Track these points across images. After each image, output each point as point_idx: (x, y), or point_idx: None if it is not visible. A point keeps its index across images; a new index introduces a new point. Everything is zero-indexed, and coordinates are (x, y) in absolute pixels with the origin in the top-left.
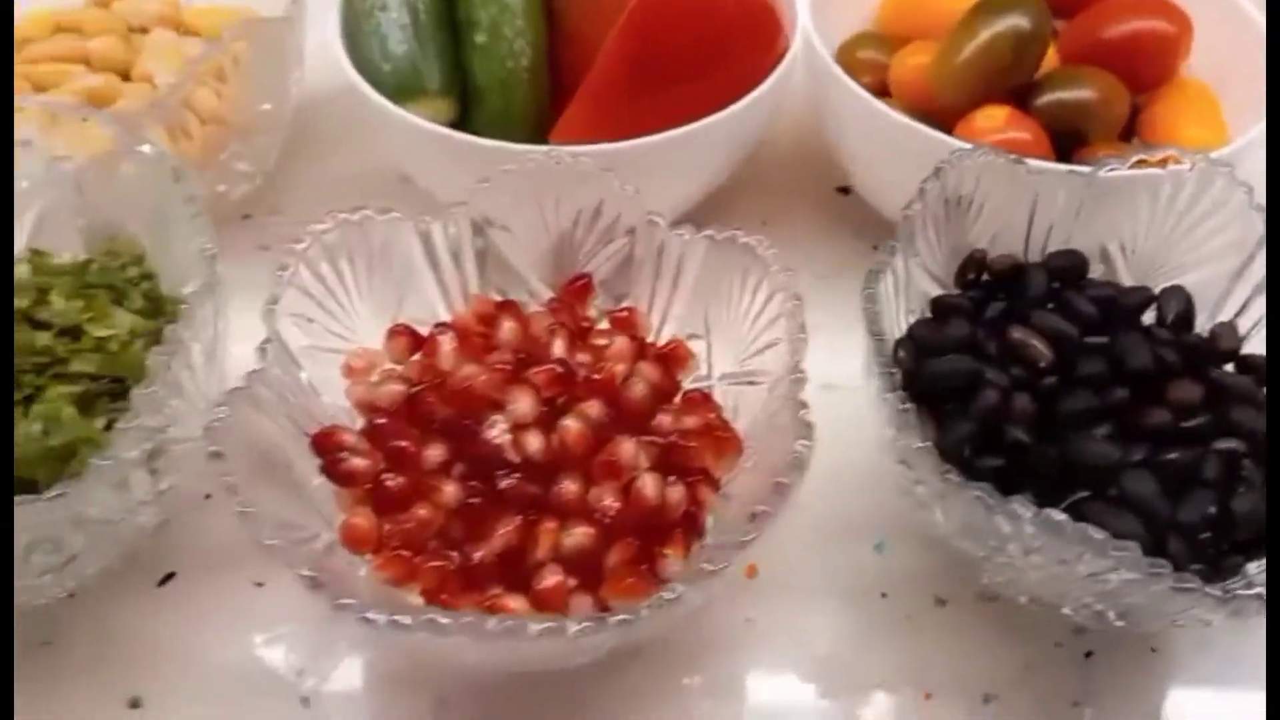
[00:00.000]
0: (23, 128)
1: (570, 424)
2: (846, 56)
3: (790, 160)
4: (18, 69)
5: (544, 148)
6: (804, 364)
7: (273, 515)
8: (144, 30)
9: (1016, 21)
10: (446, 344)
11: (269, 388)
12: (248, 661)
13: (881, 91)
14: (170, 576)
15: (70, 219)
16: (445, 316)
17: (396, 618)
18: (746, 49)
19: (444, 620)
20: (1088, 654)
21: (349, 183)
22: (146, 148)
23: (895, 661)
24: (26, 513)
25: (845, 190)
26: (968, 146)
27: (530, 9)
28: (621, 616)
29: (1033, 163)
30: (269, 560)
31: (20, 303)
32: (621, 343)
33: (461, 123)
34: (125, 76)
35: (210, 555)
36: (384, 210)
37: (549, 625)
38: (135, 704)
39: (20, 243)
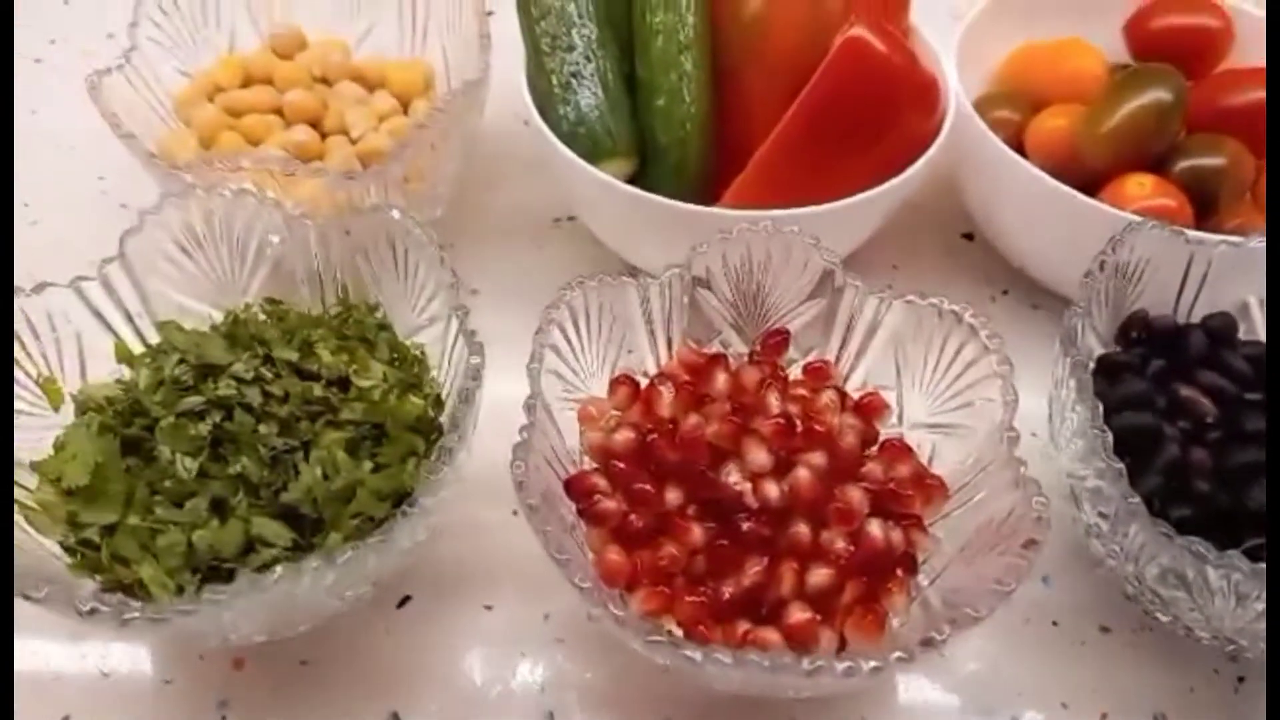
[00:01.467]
0: (261, 183)
1: (802, 474)
2: (981, 114)
3: (920, 207)
4: (218, 115)
5: (750, 213)
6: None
7: (556, 539)
8: (325, 80)
9: (1159, 94)
10: (666, 394)
11: (538, 440)
12: (491, 679)
13: (1014, 148)
14: (407, 599)
15: (302, 270)
16: (653, 365)
17: (689, 651)
18: (915, 119)
19: (728, 655)
20: (1240, 679)
21: (514, 217)
22: (395, 213)
23: (1072, 684)
24: (362, 552)
25: (969, 236)
26: (1138, 220)
27: (704, 77)
28: (897, 655)
29: (1191, 233)
30: (499, 585)
31: (288, 355)
32: (829, 396)
33: (639, 175)
34: (315, 125)
35: (442, 581)
36: (616, 275)
37: (850, 664)
38: (395, 718)
39: (253, 290)
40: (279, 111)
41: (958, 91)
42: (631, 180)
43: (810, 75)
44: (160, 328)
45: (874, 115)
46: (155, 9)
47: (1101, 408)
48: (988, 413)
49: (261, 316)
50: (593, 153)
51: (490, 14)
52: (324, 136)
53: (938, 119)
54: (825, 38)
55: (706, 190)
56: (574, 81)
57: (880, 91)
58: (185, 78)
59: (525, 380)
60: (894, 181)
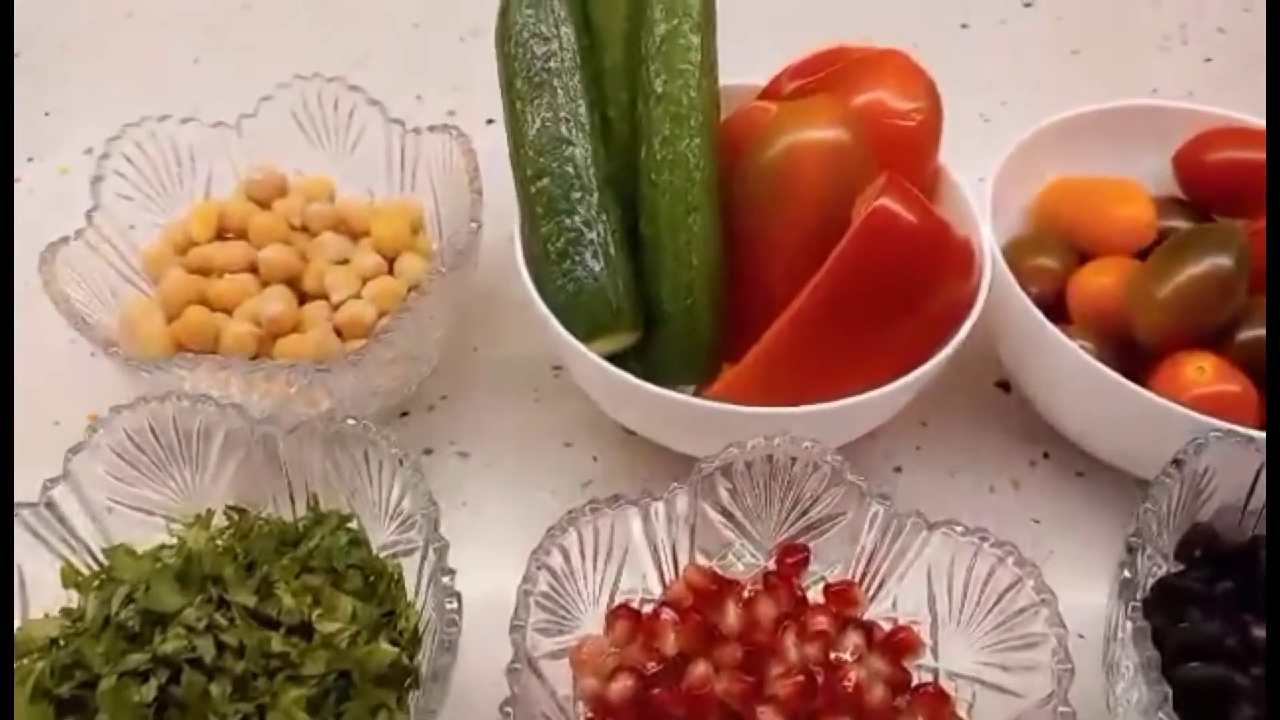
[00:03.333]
0: (227, 385)
1: None
2: (1014, 260)
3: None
4: (186, 282)
5: (760, 412)
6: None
7: None
8: (305, 229)
9: (1220, 260)
10: (670, 627)
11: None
12: None
13: (1054, 299)
14: None
15: (268, 474)
16: (657, 583)
17: None
18: (947, 292)
19: None
20: None
21: (506, 370)
22: (373, 434)
23: None
24: None
25: (1005, 386)
26: (1210, 427)
27: (714, 239)
28: None
29: (1260, 435)
30: None
31: (246, 599)
32: (855, 640)
33: (643, 341)
34: (294, 283)
35: None
36: (613, 501)
37: None
38: None
39: (216, 495)
40: (256, 268)
41: (992, 247)
42: (635, 347)
43: (831, 236)
44: (110, 554)
45: (902, 292)
46: (121, 159)
47: (1161, 655)
48: (1038, 659)
49: (219, 544)
50: (591, 328)
51: (490, 122)
52: (302, 298)
53: (971, 287)
54: (848, 195)
55: (716, 358)
56: (572, 250)
57: (910, 267)
58: (158, 227)
59: (519, 569)
60: (928, 366)
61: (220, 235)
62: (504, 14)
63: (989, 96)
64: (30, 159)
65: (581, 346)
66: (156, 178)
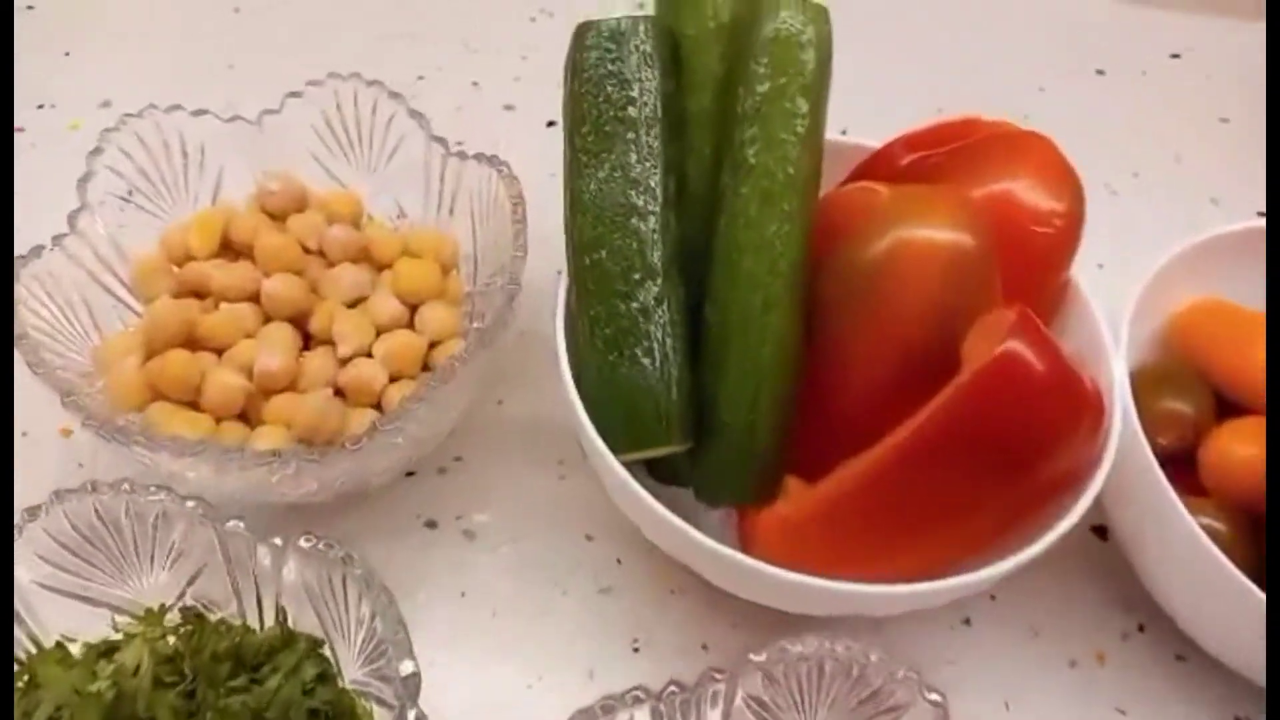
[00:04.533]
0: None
1: None
2: (1138, 396)
3: None
4: (174, 315)
5: (856, 588)
6: None
7: None
8: (322, 254)
9: None
10: None
11: None
12: None
13: (1181, 455)
14: None
15: (230, 586)
16: None
17: None
18: (1069, 456)
19: None
20: None
21: (531, 434)
22: (357, 569)
23: None
24: None
25: (1101, 532)
26: None
27: (792, 342)
28: None
29: None
30: None
31: None
32: None
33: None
34: (299, 321)
35: None
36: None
37: None
38: None
39: (174, 588)
40: (259, 296)
41: (1125, 393)
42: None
43: (935, 362)
44: (36, 662)
45: (1018, 453)
46: (118, 153)
47: None
48: None
49: (169, 645)
50: (632, 438)
51: (551, 124)
52: (307, 341)
53: (1098, 446)
54: (961, 314)
55: (775, 476)
56: (622, 340)
57: (1033, 426)
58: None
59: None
60: (1036, 548)
61: (225, 247)
62: (578, 42)
63: (1118, 163)
64: (40, 106)
65: (614, 461)
66: (159, 177)
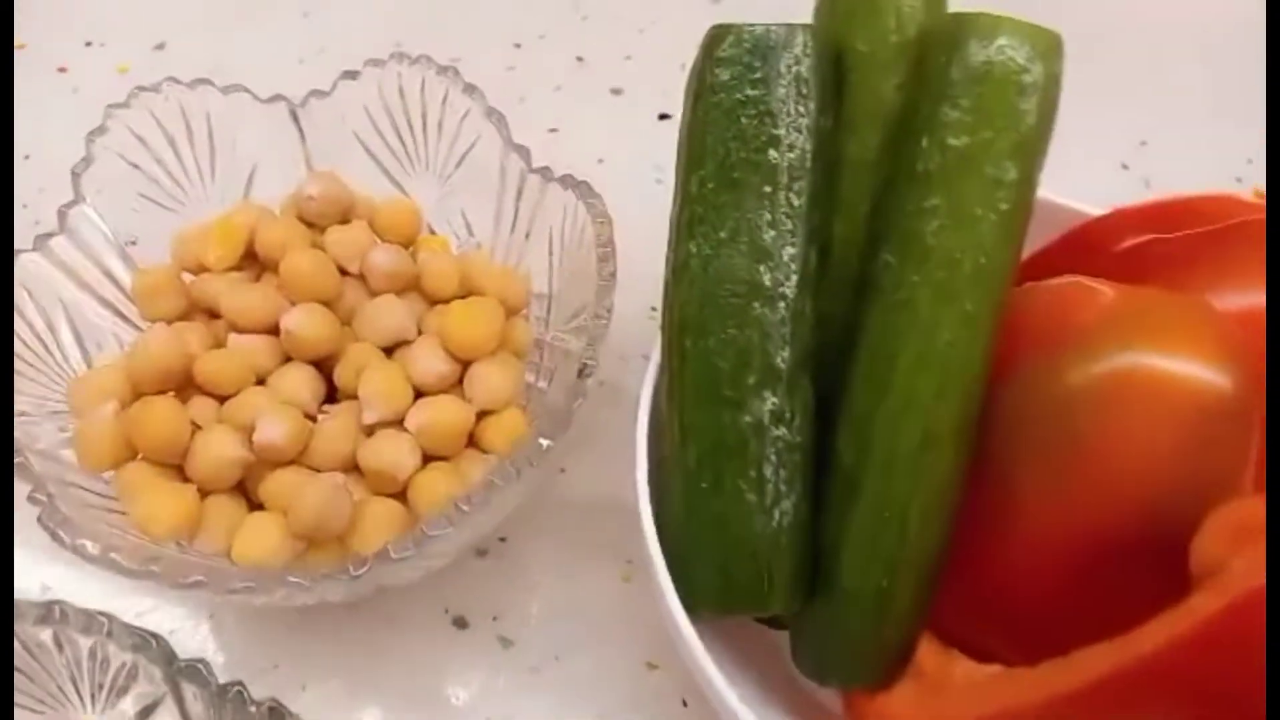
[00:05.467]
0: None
1: None
2: None
3: None
4: (171, 334)
5: None
6: None
7: None
8: (361, 278)
9: None
10: None
11: None
12: None
13: None
14: None
15: None
16: None
17: None
18: None
19: None
20: None
21: (595, 518)
22: None
23: None
24: None
25: None
26: None
27: (947, 497)
28: None
29: None
30: None
31: None
32: None
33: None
34: (323, 364)
35: None
36: None
37: None
38: None
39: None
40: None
41: None
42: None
43: (1158, 555)
44: None
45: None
46: (126, 134)
47: None
48: None
49: None
50: (720, 593)
51: (664, 118)
52: (330, 393)
53: None
54: (1199, 498)
55: (900, 661)
56: (723, 463)
57: None
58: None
59: None
60: None
61: (250, 259)
62: (708, 52)
63: None
64: (88, 43)
65: (686, 627)
66: (178, 166)
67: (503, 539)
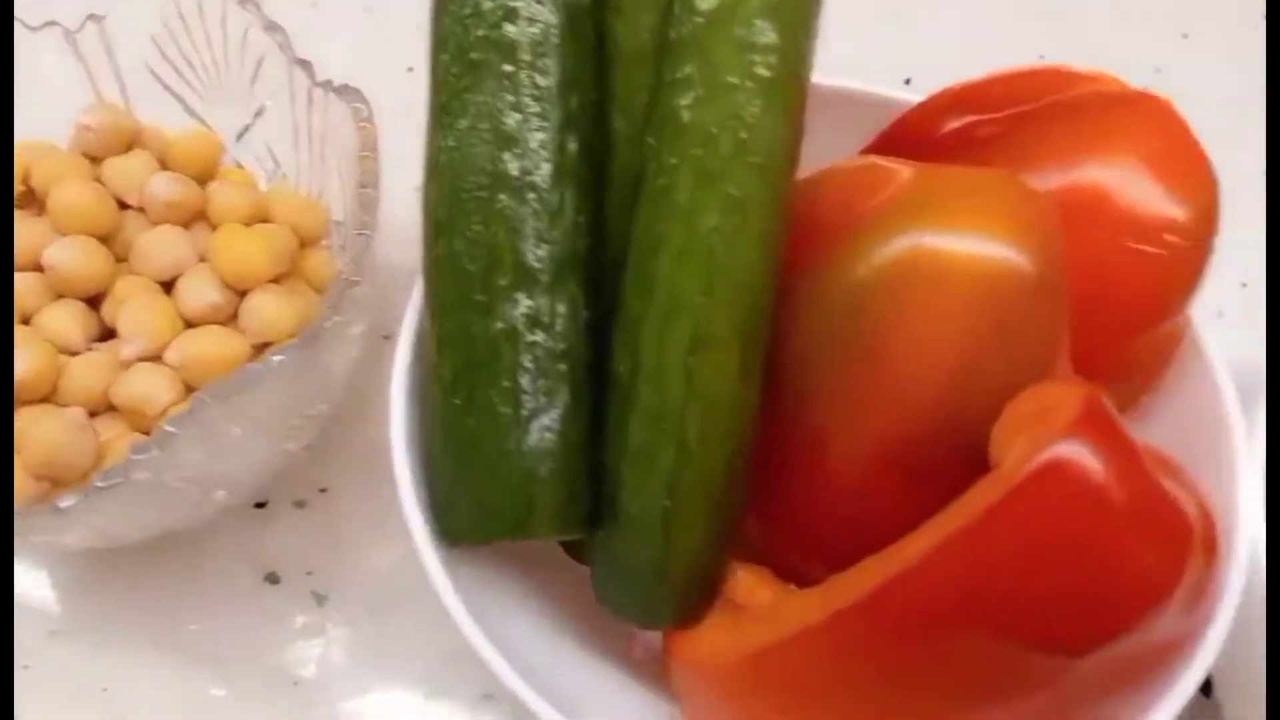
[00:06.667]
0: None
1: None
2: None
3: None
4: None
5: None
6: None
7: None
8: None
9: None
10: None
11: None
12: None
13: None
14: None
15: None
16: None
17: None
18: (1153, 626)
19: None
20: None
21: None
22: None
23: None
24: None
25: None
26: None
27: (735, 405)
28: None
29: None
30: None
31: None
32: None
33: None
34: (95, 301)
35: None
36: None
37: None
38: None
39: None
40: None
41: (1255, 534)
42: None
43: (959, 448)
44: None
45: (1065, 618)
46: None
47: None
48: None
49: None
50: (476, 521)
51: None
52: (104, 331)
53: (1201, 610)
54: (1002, 387)
55: (703, 594)
56: (474, 376)
57: (1096, 573)
58: None
59: None
60: None
61: (29, 198)
62: None
63: None
64: None
65: (432, 560)
66: None
67: (323, 490)
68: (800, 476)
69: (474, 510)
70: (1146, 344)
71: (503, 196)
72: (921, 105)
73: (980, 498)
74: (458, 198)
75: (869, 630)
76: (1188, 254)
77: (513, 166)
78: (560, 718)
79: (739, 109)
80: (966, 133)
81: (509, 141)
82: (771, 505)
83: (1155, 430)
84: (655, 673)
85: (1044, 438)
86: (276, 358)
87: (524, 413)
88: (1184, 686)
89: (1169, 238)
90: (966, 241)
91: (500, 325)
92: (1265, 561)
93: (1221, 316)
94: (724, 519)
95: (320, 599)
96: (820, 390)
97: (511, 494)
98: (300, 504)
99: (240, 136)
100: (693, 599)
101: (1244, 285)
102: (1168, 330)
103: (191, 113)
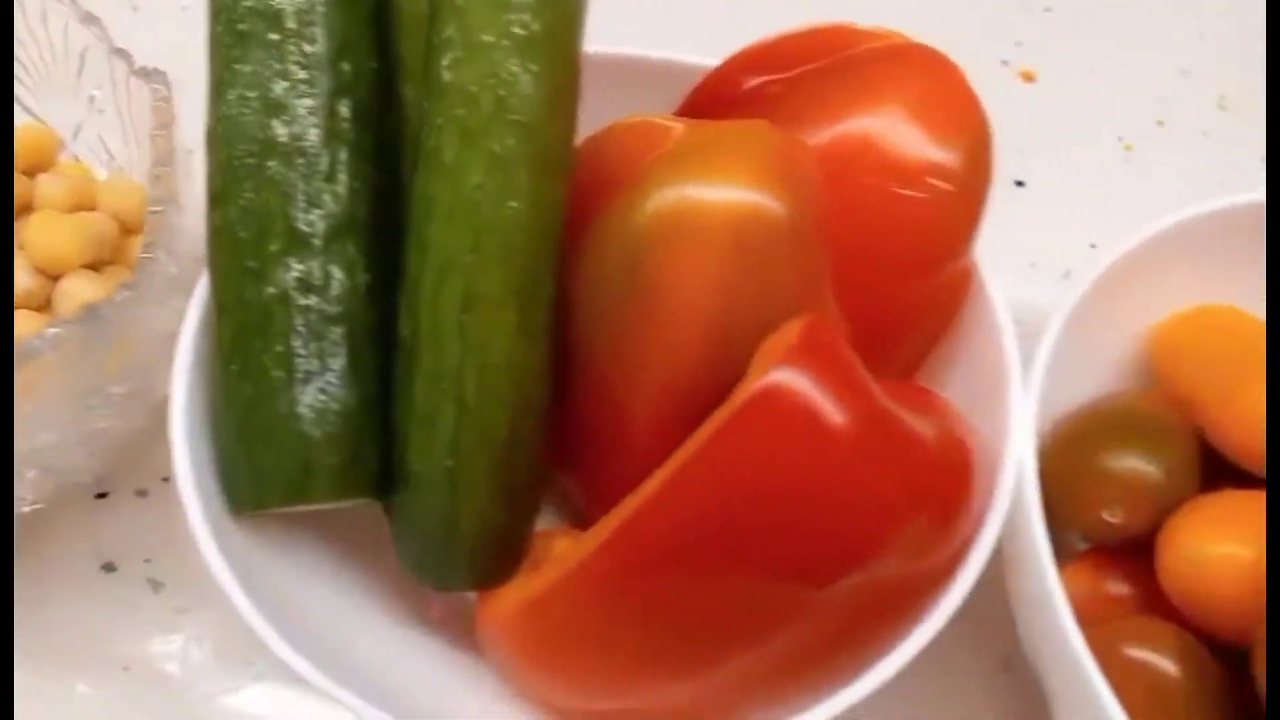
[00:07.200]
0: None
1: None
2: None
3: None
4: None
5: None
6: None
7: None
8: None
9: None
10: None
11: None
12: None
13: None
14: None
15: None
16: None
17: None
18: (898, 552)
19: None
20: None
21: None
22: None
23: None
24: None
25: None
26: None
27: (514, 359)
28: None
29: None
30: None
31: None
32: None
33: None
34: None
35: None
36: None
37: None
38: None
39: None
40: None
41: (1021, 466)
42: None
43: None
44: None
45: (792, 547)
46: None
47: None
48: None
49: None
50: (259, 486)
51: None
52: None
53: (950, 540)
54: (760, 326)
55: (507, 554)
56: (248, 342)
57: (825, 501)
58: None
59: None
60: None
61: None
62: None
63: (1135, 109)
64: None
65: (200, 526)
66: None
67: (165, 479)
68: (600, 432)
69: (252, 476)
70: (934, 288)
71: (272, 163)
72: (721, 66)
73: (703, 431)
74: (230, 167)
75: (618, 568)
76: (956, 198)
77: (282, 133)
78: (329, 683)
79: (496, 67)
80: (759, 91)
81: (277, 109)
82: (582, 465)
83: (954, 373)
84: (456, 634)
85: (764, 368)
86: (52, 331)
87: (298, 376)
88: (943, 609)
89: (933, 182)
90: (720, 190)
91: (272, 290)
92: (1037, 484)
93: (1068, 276)
94: (514, 477)
95: (156, 585)
96: (606, 343)
97: (286, 458)
98: (142, 492)
99: (76, 133)
100: (492, 561)
101: (1093, 246)
102: (956, 275)
103: (28, 110)
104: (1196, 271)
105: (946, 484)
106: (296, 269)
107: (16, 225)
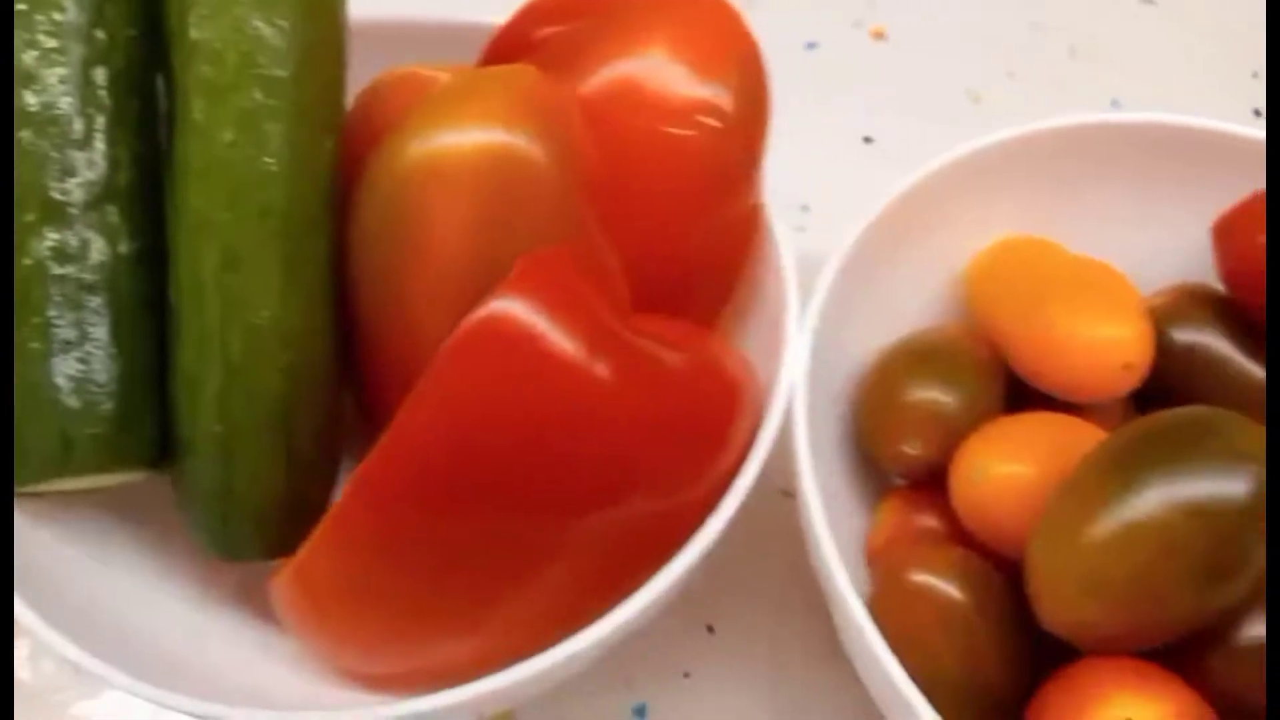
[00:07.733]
0: None
1: None
2: (881, 397)
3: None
4: None
5: None
6: None
7: None
8: None
9: (1223, 494)
10: None
11: None
12: None
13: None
14: None
15: None
16: None
17: None
18: (656, 483)
19: None
20: None
21: None
22: None
23: None
24: None
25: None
26: None
27: (285, 315)
28: None
29: None
30: None
31: None
32: None
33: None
34: None
35: None
36: None
37: None
38: None
39: None
40: None
41: (793, 390)
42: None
43: None
44: None
45: (544, 469)
46: None
47: None
48: None
49: None
50: (25, 460)
51: None
52: None
53: (721, 466)
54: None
55: (294, 522)
56: (17, 323)
57: (557, 433)
58: None
59: None
60: (632, 607)
61: None
62: None
63: (990, 57)
64: None
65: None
66: None
67: None
68: (390, 385)
69: (21, 452)
70: (718, 227)
71: (25, 134)
72: (513, 18)
73: (429, 369)
74: None
75: (367, 515)
76: (727, 134)
77: (33, 103)
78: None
79: (240, 23)
80: (547, 41)
81: (28, 79)
82: (385, 421)
83: (752, 315)
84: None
85: (487, 301)
86: None
87: (55, 346)
88: (698, 543)
89: (702, 119)
90: (469, 134)
91: (28, 261)
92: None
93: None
94: (297, 440)
95: None
96: (383, 294)
97: (46, 431)
98: None
99: None
100: (283, 528)
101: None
102: (742, 215)
103: None
104: (1018, 205)
105: (701, 415)
106: (52, 238)
107: None
